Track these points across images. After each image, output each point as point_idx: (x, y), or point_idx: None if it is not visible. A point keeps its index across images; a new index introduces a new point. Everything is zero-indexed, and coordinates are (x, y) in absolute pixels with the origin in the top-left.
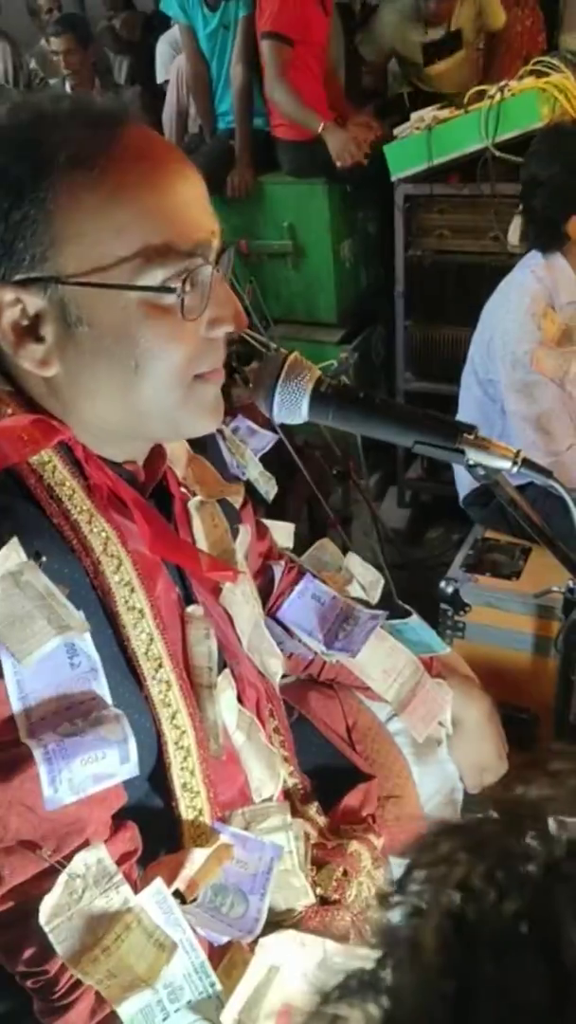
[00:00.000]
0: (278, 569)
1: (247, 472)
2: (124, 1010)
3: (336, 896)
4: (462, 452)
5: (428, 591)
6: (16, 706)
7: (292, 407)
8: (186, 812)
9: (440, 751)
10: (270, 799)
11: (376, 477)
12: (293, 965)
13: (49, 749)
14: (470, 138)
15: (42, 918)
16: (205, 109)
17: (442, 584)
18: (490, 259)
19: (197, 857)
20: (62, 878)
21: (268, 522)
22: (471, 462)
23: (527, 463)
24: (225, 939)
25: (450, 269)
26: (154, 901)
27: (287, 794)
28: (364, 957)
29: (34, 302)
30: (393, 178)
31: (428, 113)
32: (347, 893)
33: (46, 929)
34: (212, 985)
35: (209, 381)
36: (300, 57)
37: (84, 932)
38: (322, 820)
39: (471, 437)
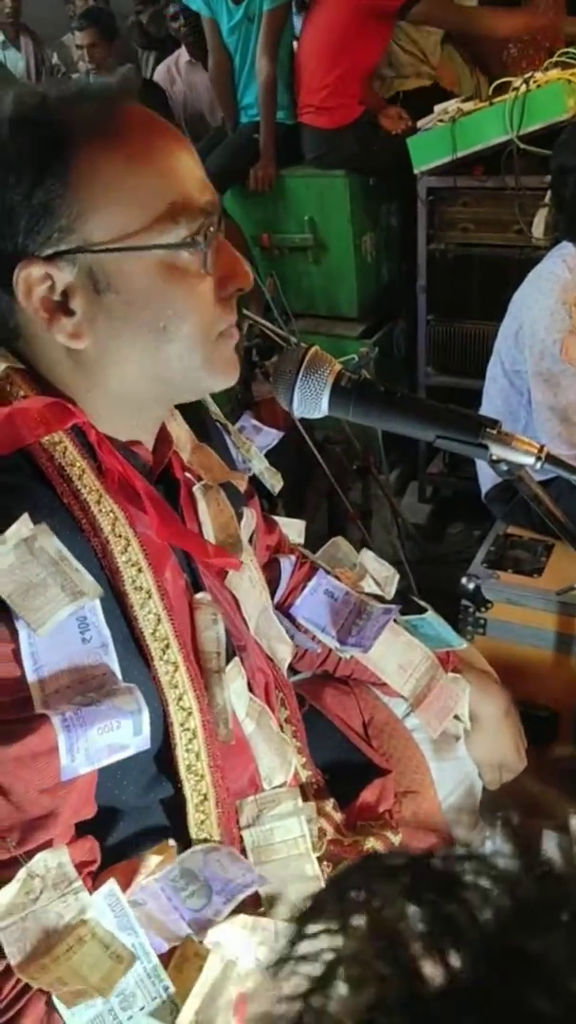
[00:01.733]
0: (287, 563)
1: (252, 467)
2: (75, 1020)
3: None
4: (485, 447)
5: (449, 587)
6: (31, 677)
7: (312, 401)
8: (191, 795)
9: (458, 747)
10: (281, 786)
11: (397, 472)
12: (247, 954)
13: (67, 717)
14: (495, 130)
15: None
16: (227, 103)
17: (463, 581)
18: (514, 252)
19: (151, 862)
20: (21, 873)
21: (279, 519)
22: (494, 457)
23: (551, 458)
24: (166, 946)
25: (473, 263)
26: (107, 904)
27: (301, 788)
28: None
29: (63, 276)
30: (416, 171)
31: (452, 105)
32: None
33: None
34: (166, 989)
35: (228, 338)
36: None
37: (36, 937)
38: (338, 816)
39: (494, 432)
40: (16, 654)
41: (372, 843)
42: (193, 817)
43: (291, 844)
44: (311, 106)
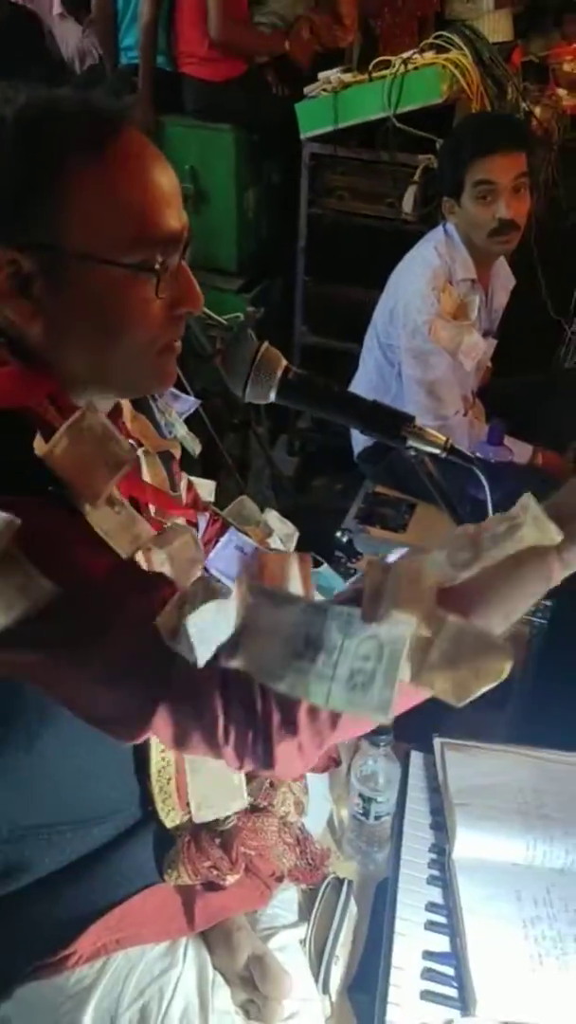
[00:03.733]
0: (201, 520)
1: (175, 431)
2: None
3: (264, 803)
4: (404, 439)
5: (317, 536)
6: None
7: (261, 392)
8: None
9: None
10: None
11: (268, 426)
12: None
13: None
14: (374, 106)
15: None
16: (109, 44)
17: (337, 534)
18: (385, 224)
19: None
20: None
21: (192, 479)
22: (409, 446)
23: (453, 451)
24: None
25: (348, 229)
26: None
27: None
28: None
29: (28, 264)
30: (302, 136)
31: (333, 75)
32: (274, 801)
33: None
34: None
35: (169, 351)
36: None
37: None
38: None
39: (411, 426)
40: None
41: None
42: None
43: None
44: (193, 56)
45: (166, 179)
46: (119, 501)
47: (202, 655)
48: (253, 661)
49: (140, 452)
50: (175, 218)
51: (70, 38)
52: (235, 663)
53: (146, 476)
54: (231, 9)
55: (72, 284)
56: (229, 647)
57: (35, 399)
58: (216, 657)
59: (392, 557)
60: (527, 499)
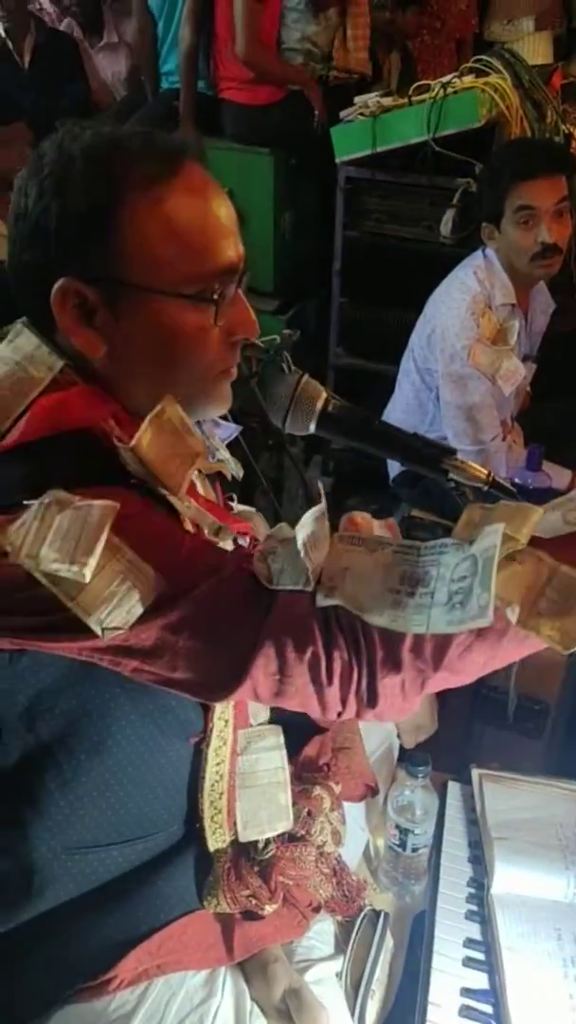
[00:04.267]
0: (243, 543)
1: (218, 455)
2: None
3: (302, 832)
4: (446, 472)
5: None
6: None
7: (301, 425)
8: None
9: None
10: (265, 724)
11: (302, 445)
12: None
13: None
14: (413, 131)
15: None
16: (150, 68)
17: None
18: (423, 247)
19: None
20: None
21: (235, 506)
22: (450, 479)
23: (495, 484)
24: None
25: (384, 252)
26: None
27: None
28: None
29: (93, 295)
30: (338, 160)
31: (372, 99)
32: (312, 830)
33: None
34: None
35: (226, 376)
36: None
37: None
38: (289, 768)
39: (452, 460)
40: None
41: (319, 791)
42: (221, 718)
43: (271, 773)
44: (233, 80)
45: (224, 211)
46: (186, 497)
47: (301, 582)
48: (352, 600)
49: (197, 473)
50: (232, 249)
51: (113, 67)
52: (335, 600)
53: (202, 492)
54: (257, 31)
55: (134, 314)
56: (326, 590)
57: (102, 418)
58: (315, 596)
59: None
60: None
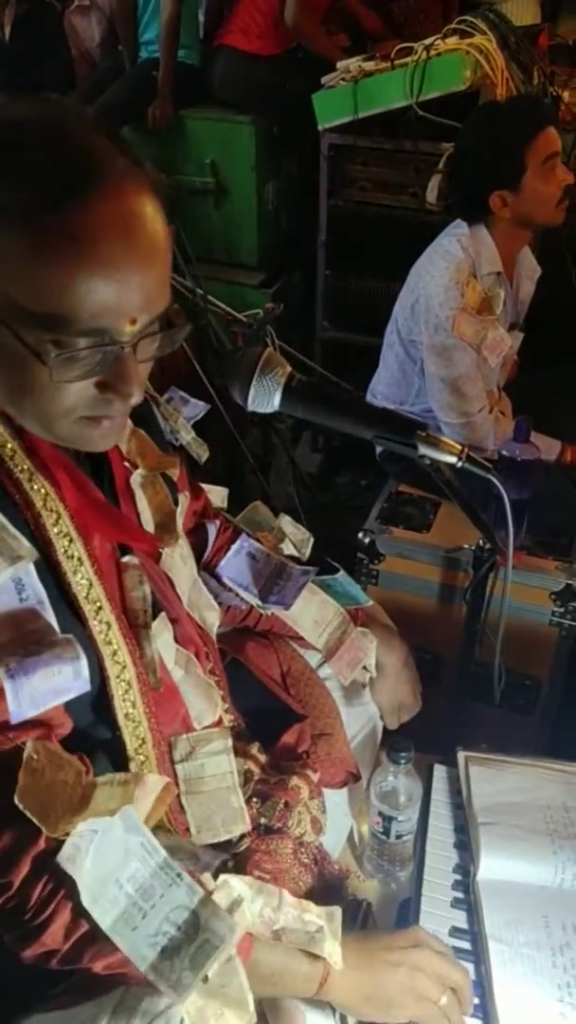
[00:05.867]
0: (212, 527)
1: (180, 437)
2: (104, 921)
3: (279, 825)
4: (415, 446)
5: (340, 534)
6: None
7: (265, 400)
8: (130, 740)
9: (364, 693)
10: (211, 727)
11: (291, 423)
12: (250, 905)
13: (10, 668)
14: (395, 95)
15: (16, 797)
16: (129, 37)
17: (359, 535)
18: (408, 214)
19: (151, 783)
20: (25, 756)
21: (204, 486)
22: (423, 455)
23: (470, 459)
24: None
25: (370, 221)
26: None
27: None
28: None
29: None
30: (320, 127)
31: (354, 63)
32: (289, 822)
33: (20, 806)
34: (178, 875)
35: (92, 424)
36: None
37: (54, 804)
38: (263, 758)
39: (423, 434)
40: None
41: (295, 781)
42: (133, 759)
43: (220, 778)
44: (238, 27)
45: (124, 265)
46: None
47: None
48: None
49: (136, 474)
50: (118, 307)
51: (85, 32)
52: (66, 868)
53: (141, 499)
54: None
55: None
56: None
57: None
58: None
59: None
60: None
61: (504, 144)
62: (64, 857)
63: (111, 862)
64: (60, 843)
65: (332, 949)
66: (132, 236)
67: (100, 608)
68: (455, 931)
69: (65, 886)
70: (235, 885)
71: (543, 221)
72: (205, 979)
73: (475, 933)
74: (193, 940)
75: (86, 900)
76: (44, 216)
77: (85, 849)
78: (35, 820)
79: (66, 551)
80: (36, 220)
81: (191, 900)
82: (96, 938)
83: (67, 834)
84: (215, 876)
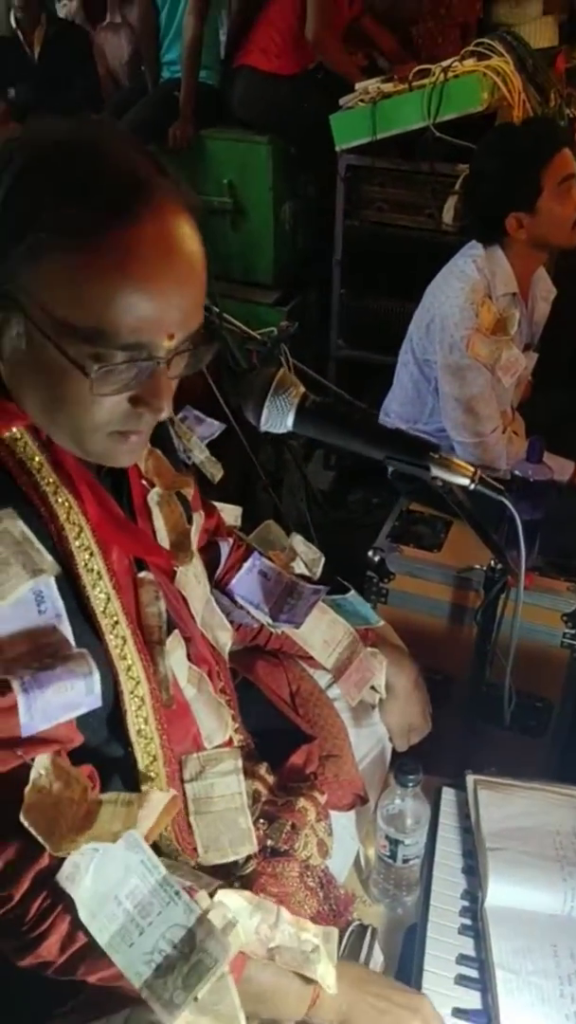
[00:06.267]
0: (225, 545)
1: (193, 456)
2: (101, 937)
3: (285, 848)
4: (427, 468)
5: (351, 551)
6: None
7: (278, 420)
8: (142, 757)
9: (373, 714)
10: (222, 746)
11: (303, 439)
12: (246, 922)
13: (25, 681)
14: (413, 116)
15: (22, 814)
16: (151, 58)
17: (369, 554)
18: (424, 235)
19: (155, 799)
20: (33, 774)
21: (218, 504)
22: (435, 476)
23: (483, 481)
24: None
25: (386, 241)
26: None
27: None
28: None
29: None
30: (338, 148)
31: (372, 85)
32: (295, 845)
33: (26, 824)
34: (177, 894)
35: (121, 439)
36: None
37: (60, 821)
38: (271, 779)
39: (436, 456)
40: None
41: (303, 803)
42: (144, 776)
43: (228, 799)
44: (257, 47)
45: (163, 282)
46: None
47: None
48: (83, 896)
49: (154, 492)
50: (156, 323)
51: (115, 51)
52: (68, 889)
53: (158, 517)
54: (329, 17)
55: (29, 344)
56: (67, 874)
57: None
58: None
59: None
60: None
61: (520, 166)
62: (64, 876)
63: (111, 878)
64: (62, 860)
65: (326, 972)
66: (173, 254)
67: (117, 622)
68: (462, 958)
69: (63, 901)
70: (232, 902)
71: (559, 243)
72: (196, 998)
73: (482, 961)
74: (188, 960)
75: (84, 915)
76: (90, 233)
77: (85, 867)
78: (39, 838)
79: (86, 564)
80: (82, 237)
81: (188, 919)
82: (92, 952)
83: (69, 852)
84: (212, 894)
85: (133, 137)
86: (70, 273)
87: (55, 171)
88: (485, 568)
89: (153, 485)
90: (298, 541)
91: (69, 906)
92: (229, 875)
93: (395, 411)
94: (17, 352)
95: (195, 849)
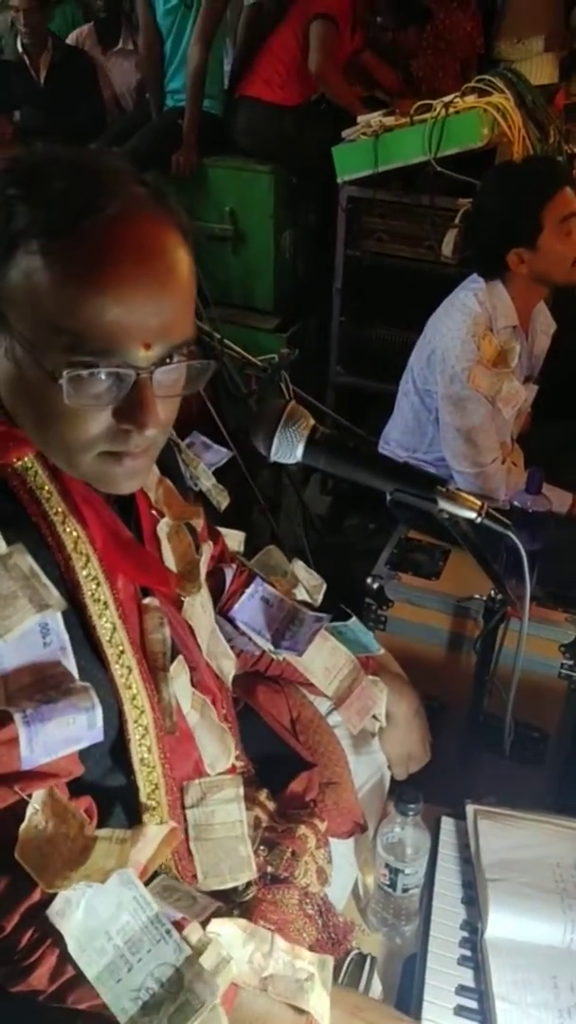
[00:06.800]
0: (229, 572)
1: (200, 483)
2: (89, 971)
3: (285, 874)
4: (435, 501)
5: (345, 576)
6: None
7: (288, 451)
8: (144, 786)
9: (373, 742)
10: (224, 773)
11: (301, 464)
12: (240, 952)
13: (27, 714)
14: (414, 150)
15: (16, 851)
16: (155, 85)
17: (368, 580)
18: (424, 266)
19: (152, 833)
20: (29, 811)
21: (222, 530)
22: (441, 510)
23: (490, 515)
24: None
25: (385, 271)
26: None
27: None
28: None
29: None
30: (339, 180)
31: (375, 118)
32: (295, 872)
33: (20, 861)
34: (168, 932)
35: (111, 460)
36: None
37: (53, 857)
38: (271, 805)
39: (444, 489)
40: None
41: (303, 830)
42: (145, 805)
43: (229, 827)
44: (260, 78)
45: (137, 286)
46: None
47: None
48: (74, 932)
49: (163, 523)
50: (131, 330)
51: (125, 76)
52: (57, 923)
53: (166, 548)
54: (332, 49)
55: (13, 361)
56: (59, 909)
57: (7, 459)
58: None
59: None
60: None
61: (522, 203)
62: (54, 911)
63: (103, 914)
64: (54, 894)
65: (319, 1003)
66: (146, 260)
67: (122, 652)
68: (461, 989)
69: (52, 935)
70: (226, 931)
71: (560, 280)
72: None
73: (482, 992)
74: (174, 1000)
75: (73, 949)
76: (59, 235)
77: (76, 902)
78: (33, 875)
79: (93, 594)
80: (52, 239)
81: (177, 958)
82: (81, 983)
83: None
84: (205, 923)
85: (116, 152)
86: (43, 277)
87: (31, 179)
88: (484, 598)
89: (163, 515)
90: (300, 567)
91: (58, 940)
92: (229, 902)
93: (395, 439)
94: (7, 372)
95: (195, 875)
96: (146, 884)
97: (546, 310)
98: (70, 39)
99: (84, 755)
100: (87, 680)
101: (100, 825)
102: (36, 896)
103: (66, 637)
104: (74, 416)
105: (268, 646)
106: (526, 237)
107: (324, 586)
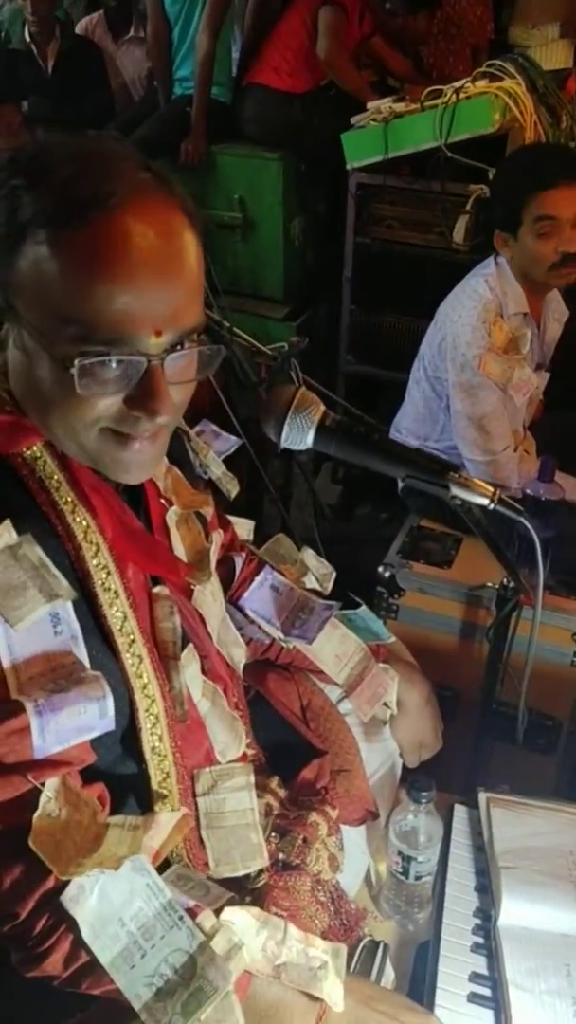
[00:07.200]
0: (239, 560)
1: (209, 471)
2: (103, 957)
3: (297, 861)
4: (447, 487)
5: (358, 566)
6: (6, 665)
7: (299, 437)
8: (155, 774)
9: (384, 730)
10: (235, 761)
11: (311, 453)
12: (252, 940)
13: (39, 703)
14: (425, 136)
15: (30, 839)
16: (163, 73)
17: (380, 569)
18: (435, 253)
19: (164, 820)
20: (42, 799)
21: (232, 518)
22: (453, 495)
23: (502, 501)
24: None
25: (396, 258)
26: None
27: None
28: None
29: (6, 322)
30: (349, 166)
31: (384, 104)
32: (307, 859)
33: (34, 848)
34: (181, 919)
35: (125, 444)
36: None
37: (67, 845)
38: (283, 792)
39: (456, 476)
40: None
41: (314, 817)
42: (156, 793)
43: (240, 814)
44: (269, 65)
45: (143, 276)
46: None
47: None
48: (87, 918)
49: (171, 516)
50: (139, 319)
51: (129, 64)
52: (71, 911)
53: (176, 536)
54: (340, 35)
55: (24, 352)
56: (71, 896)
57: (16, 448)
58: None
59: None
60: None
61: (508, 192)
62: (68, 897)
63: (116, 900)
64: (67, 881)
65: (332, 989)
66: (153, 246)
67: (133, 641)
68: (475, 976)
69: (67, 921)
70: (239, 919)
71: (537, 278)
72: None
73: (495, 979)
74: (188, 986)
75: (87, 935)
76: (66, 224)
77: (90, 888)
78: (47, 862)
79: (103, 583)
80: (58, 228)
81: (190, 944)
82: (95, 969)
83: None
84: (219, 911)
85: (123, 140)
86: (51, 267)
87: (38, 168)
88: (497, 586)
89: (172, 504)
90: (309, 555)
91: (72, 926)
92: (241, 889)
93: (407, 428)
94: (18, 363)
95: (206, 863)
96: (160, 872)
97: (559, 297)
98: (80, 28)
99: (96, 743)
100: (98, 669)
101: (113, 813)
102: (50, 883)
103: (77, 626)
104: (84, 404)
105: (278, 634)
106: (508, 226)
107: (334, 574)
